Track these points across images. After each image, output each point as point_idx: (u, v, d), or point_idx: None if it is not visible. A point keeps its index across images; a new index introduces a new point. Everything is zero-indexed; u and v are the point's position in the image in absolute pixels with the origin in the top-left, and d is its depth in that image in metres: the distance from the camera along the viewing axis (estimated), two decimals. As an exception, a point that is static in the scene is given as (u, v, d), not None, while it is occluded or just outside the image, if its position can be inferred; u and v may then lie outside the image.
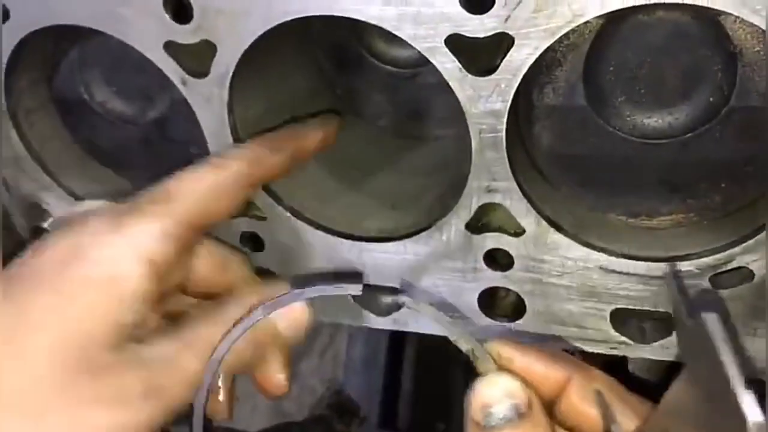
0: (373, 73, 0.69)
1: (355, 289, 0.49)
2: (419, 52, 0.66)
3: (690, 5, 0.41)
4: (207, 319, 0.52)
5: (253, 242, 0.64)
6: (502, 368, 0.47)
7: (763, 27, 0.40)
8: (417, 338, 1.32)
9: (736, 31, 0.49)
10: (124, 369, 0.46)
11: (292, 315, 0.55)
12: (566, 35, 0.46)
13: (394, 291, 0.54)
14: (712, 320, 0.35)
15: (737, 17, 0.43)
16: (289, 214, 0.60)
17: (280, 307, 0.48)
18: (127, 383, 0.45)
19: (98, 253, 0.47)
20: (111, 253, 0.47)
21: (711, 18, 0.50)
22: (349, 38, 0.68)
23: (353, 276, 0.61)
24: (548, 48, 0.46)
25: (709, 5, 0.40)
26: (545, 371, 0.47)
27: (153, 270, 0.48)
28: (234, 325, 0.50)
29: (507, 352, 0.48)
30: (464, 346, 0.48)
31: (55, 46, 0.64)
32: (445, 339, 0.52)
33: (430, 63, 0.66)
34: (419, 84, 0.68)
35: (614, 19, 0.51)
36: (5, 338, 0.45)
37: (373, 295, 0.64)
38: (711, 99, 0.52)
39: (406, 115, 0.70)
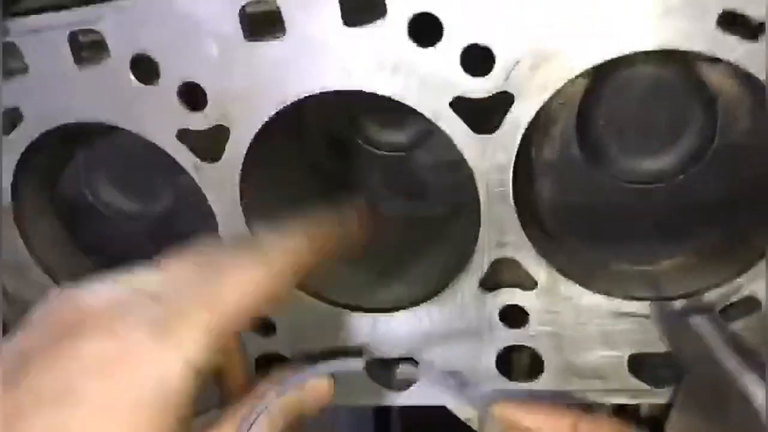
0: (369, 160, 0.72)
1: (358, 365, 0.49)
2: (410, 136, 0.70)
3: (671, 52, 0.46)
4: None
5: (263, 324, 0.64)
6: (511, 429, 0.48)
7: (739, 64, 0.45)
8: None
9: (712, 76, 0.54)
10: None
11: (315, 392, 0.56)
12: (559, 94, 0.50)
13: (397, 361, 0.53)
14: (700, 322, 0.37)
15: (712, 62, 0.49)
16: (299, 291, 0.61)
17: (287, 390, 0.48)
18: None
19: (147, 368, 0.43)
20: (161, 370, 0.43)
21: (688, 66, 0.55)
22: (342, 129, 0.72)
23: (355, 352, 0.61)
24: (543, 107, 0.50)
25: (689, 48, 0.45)
26: (553, 427, 0.48)
27: (198, 378, 0.45)
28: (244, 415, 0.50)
29: (513, 414, 0.48)
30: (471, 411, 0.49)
31: (60, 149, 0.66)
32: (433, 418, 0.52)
33: (422, 145, 0.71)
34: (413, 165, 0.71)
35: (600, 76, 0.56)
36: None
37: (386, 370, 0.65)
38: (697, 141, 0.56)
39: (404, 197, 0.72)
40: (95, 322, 0.45)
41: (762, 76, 0.45)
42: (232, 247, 0.51)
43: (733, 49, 0.44)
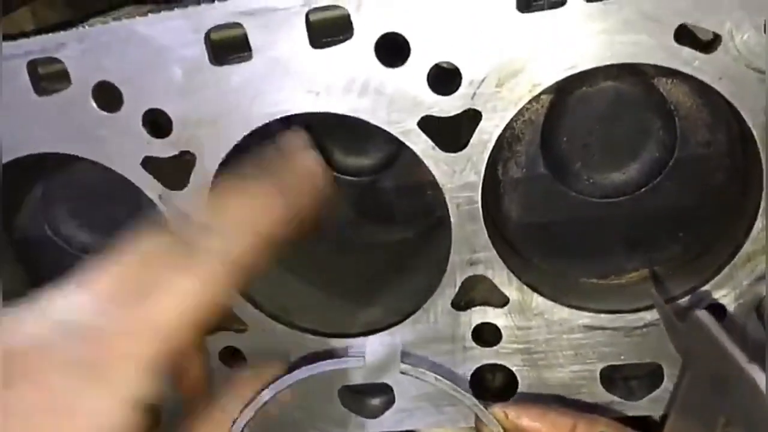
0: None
1: (357, 362, 0.49)
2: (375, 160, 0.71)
3: (631, 69, 0.47)
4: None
5: (232, 357, 0.62)
6: (509, 430, 0.48)
7: (694, 75, 0.46)
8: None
9: (670, 91, 0.56)
10: None
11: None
12: (522, 112, 0.51)
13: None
14: (703, 316, 0.38)
15: (670, 80, 0.50)
16: (272, 321, 0.60)
17: (286, 385, 0.48)
18: None
19: (82, 418, 0.39)
20: (98, 417, 0.39)
21: (647, 83, 0.57)
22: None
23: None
24: (508, 125, 0.51)
25: (649, 61, 0.46)
26: (551, 427, 0.48)
27: (142, 407, 0.42)
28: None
29: (513, 413, 0.48)
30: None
31: (19, 183, 0.64)
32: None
33: (388, 169, 0.71)
34: (379, 190, 0.71)
35: (563, 92, 0.58)
36: None
37: (362, 399, 0.64)
38: (657, 154, 0.58)
39: (370, 221, 0.72)
40: (19, 368, 0.39)
41: (715, 86, 0.46)
42: (162, 254, 0.44)
43: (690, 61, 0.46)
